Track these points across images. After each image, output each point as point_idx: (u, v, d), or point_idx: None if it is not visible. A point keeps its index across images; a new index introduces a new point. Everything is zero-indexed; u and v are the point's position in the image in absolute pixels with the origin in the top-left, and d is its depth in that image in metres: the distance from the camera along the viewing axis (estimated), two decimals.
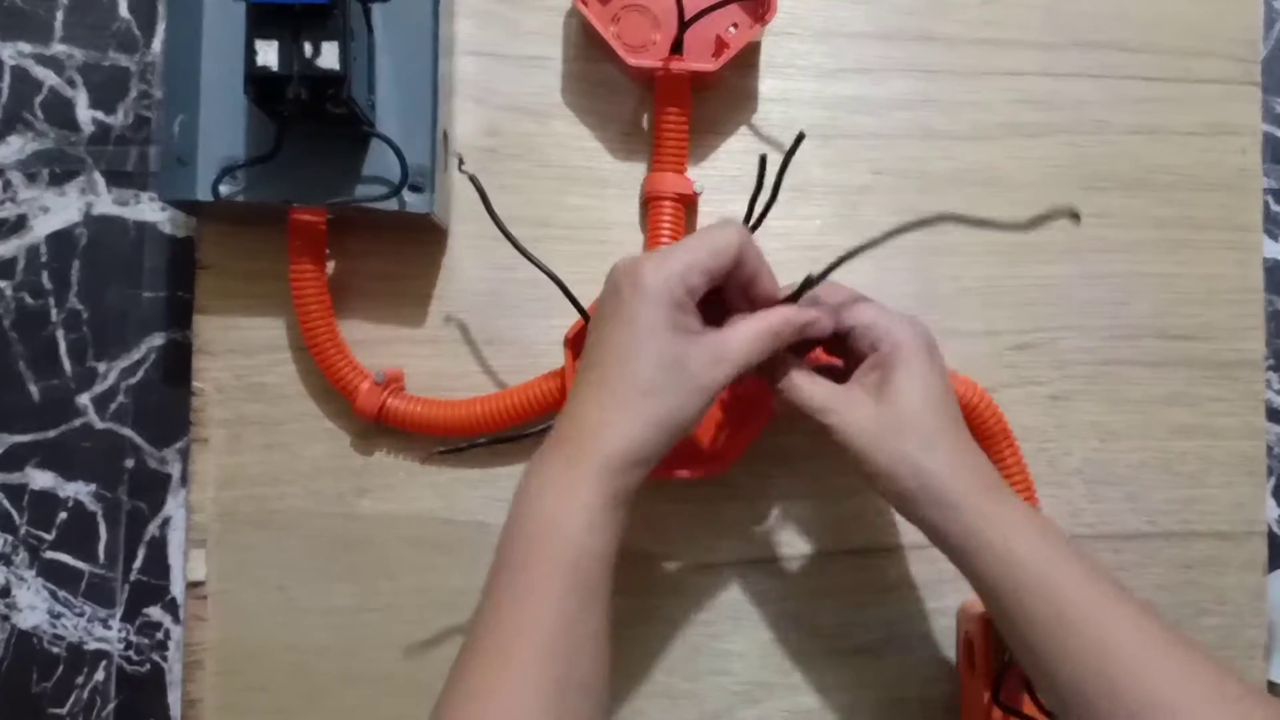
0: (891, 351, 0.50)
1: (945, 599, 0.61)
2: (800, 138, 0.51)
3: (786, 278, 0.58)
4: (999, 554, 0.46)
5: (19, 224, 0.60)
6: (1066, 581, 0.45)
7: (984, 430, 0.58)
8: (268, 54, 0.50)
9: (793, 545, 0.61)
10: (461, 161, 0.55)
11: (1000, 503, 0.48)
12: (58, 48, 0.61)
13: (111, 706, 0.59)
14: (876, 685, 0.60)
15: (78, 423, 0.60)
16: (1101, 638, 0.44)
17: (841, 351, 0.54)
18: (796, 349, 0.52)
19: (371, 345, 0.59)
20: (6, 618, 0.59)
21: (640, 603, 0.59)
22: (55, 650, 0.59)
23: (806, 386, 0.50)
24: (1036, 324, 0.63)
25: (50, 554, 0.59)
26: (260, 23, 0.50)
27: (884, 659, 0.60)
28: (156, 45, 0.61)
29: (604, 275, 0.54)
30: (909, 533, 0.61)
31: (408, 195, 0.56)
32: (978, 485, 0.48)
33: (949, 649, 0.61)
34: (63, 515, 0.59)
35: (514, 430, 0.57)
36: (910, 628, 0.61)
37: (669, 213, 0.59)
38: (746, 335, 0.48)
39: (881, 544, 0.61)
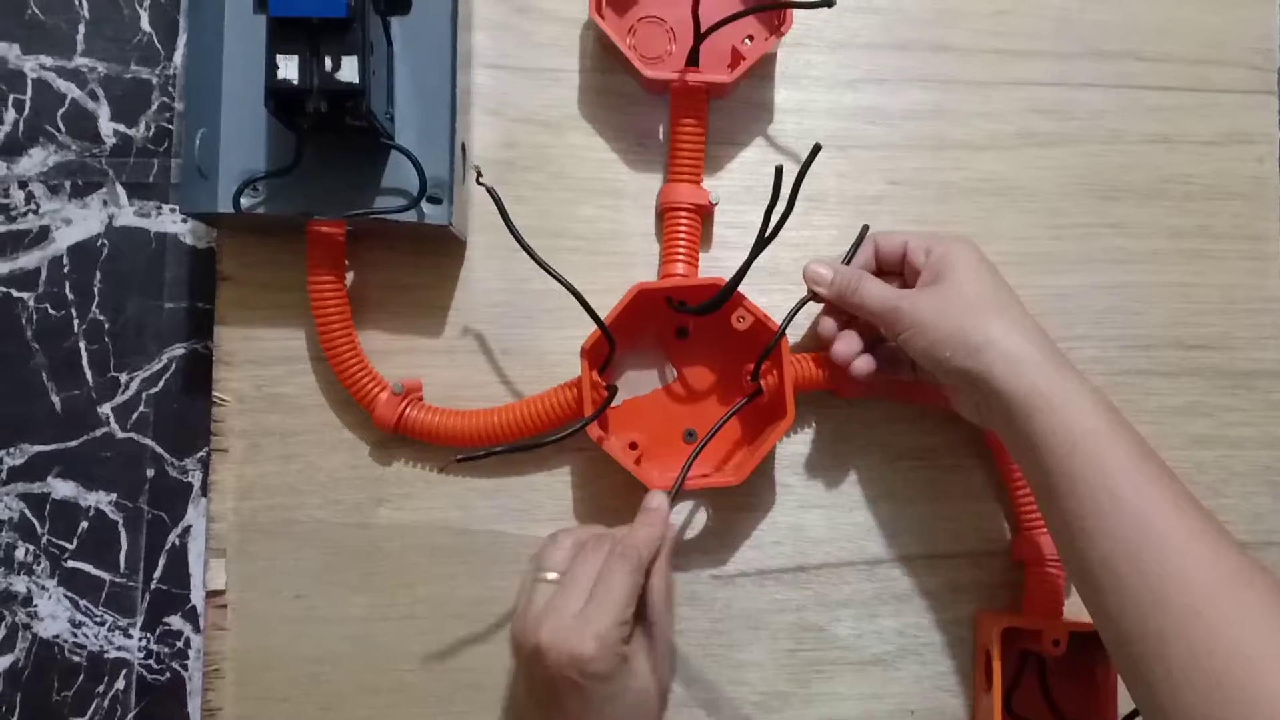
0: (944, 252, 0.53)
1: (960, 609, 0.61)
2: (816, 149, 0.51)
3: (803, 286, 0.58)
4: (1060, 415, 0.47)
5: (41, 235, 0.61)
6: (1120, 453, 0.46)
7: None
8: (288, 67, 0.51)
9: (808, 556, 0.61)
10: (479, 174, 0.56)
11: (1066, 369, 0.49)
12: (80, 61, 0.62)
13: (132, 715, 0.59)
14: (891, 696, 0.60)
15: (99, 433, 0.60)
16: (1142, 513, 0.44)
17: (900, 281, 0.57)
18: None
19: (389, 355, 0.59)
20: (28, 626, 0.59)
21: None
22: (76, 659, 0.59)
23: (877, 290, 0.54)
24: (1051, 333, 0.62)
25: (71, 563, 0.60)
26: (280, 37, 0.51)
27: (899, 669, 0.60)
28: (178, 58, 0.62)
29: (622, 286, 0.55)
30: (924, 543, 0.61)
31: (426, 207, 0.56)
32: (1046, 349, 0.50)
33: (964, 659, 0.60)
34: (84, 524, 0.60)
35: (530, 440, 0.57)
36: (925, 638, 0.61)
37: (685, 223, 0.60)
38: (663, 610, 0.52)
39: (897, 554, 0.61)
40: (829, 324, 0.57)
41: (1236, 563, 0.43)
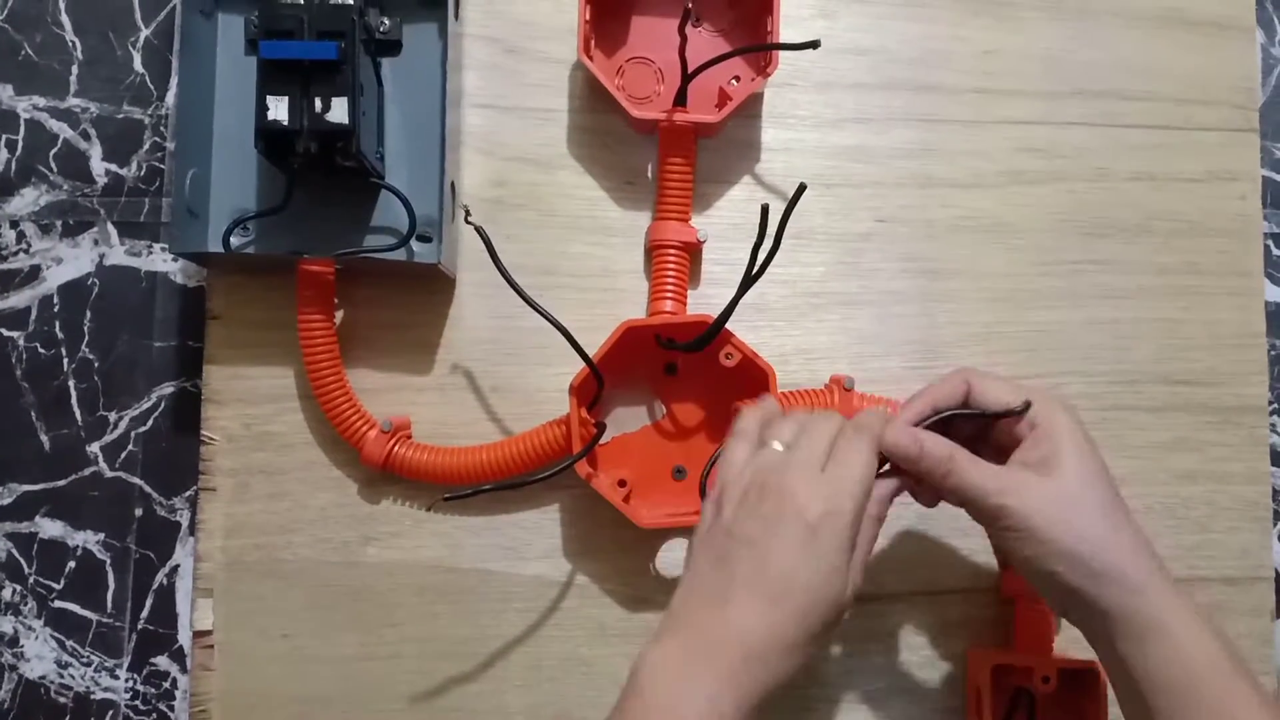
0: (1054, 429, 0.48)
1: (950, 646, 0.60)
2: (801, 189, 0.52)
3: (790, 322, 0.59)
4: (1179, 646, 0.44)
5: (32, 275, 0.61)
6: (1241, 689, 0.44)
7: None
8: (278, 109, 0.51)
9: None
10: (468, 213, 0.56)
11: (1181, 593, 0.46)
12: (73, 101, 0.62)
13: None
14: None
15: (87, 471, 0.60)
16: None
17: (985, 433, 0.51)
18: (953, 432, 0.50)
19: (378, 393, 0.60)
20: (14, 667, 0.59)
21: None
22: (62, 700, 0.59)
23: (975, 471, 0.47)
24: (1039, 369, 0.63)
25: (58, 603, 0.59)
26: (271, 78, 0.51)
27: (890, 707, 0.60)
28: (169, 99, 0.63)
29: (611, 323, 0.55)
30: (913, 580, 0.61)
31: (415, 245, 0.56)
32: (1159, 570, 0.46)
33: (954, 697, 0.60)
34: (71, 564, 0.59)
35: (519, 478, 0.57)
36: (916, 676, 0.60)
37: (673, 261, 0.60)
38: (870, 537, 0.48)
39: (886, 591, 0.61)
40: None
41: None
